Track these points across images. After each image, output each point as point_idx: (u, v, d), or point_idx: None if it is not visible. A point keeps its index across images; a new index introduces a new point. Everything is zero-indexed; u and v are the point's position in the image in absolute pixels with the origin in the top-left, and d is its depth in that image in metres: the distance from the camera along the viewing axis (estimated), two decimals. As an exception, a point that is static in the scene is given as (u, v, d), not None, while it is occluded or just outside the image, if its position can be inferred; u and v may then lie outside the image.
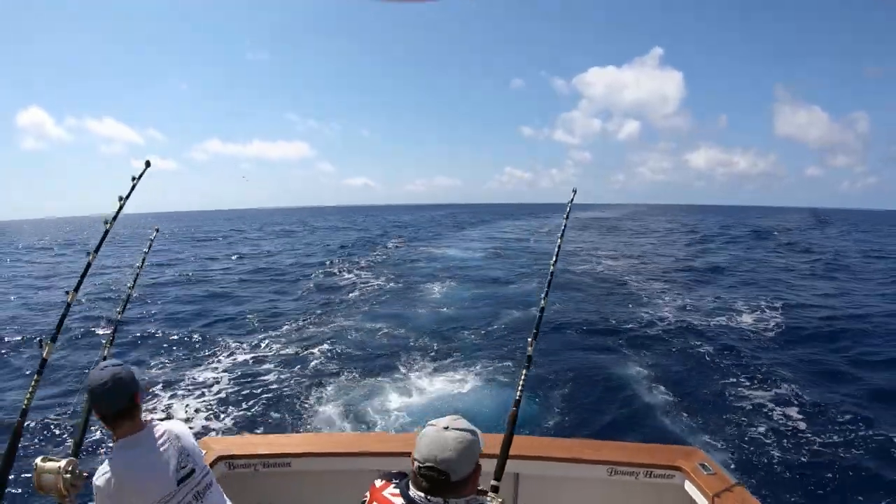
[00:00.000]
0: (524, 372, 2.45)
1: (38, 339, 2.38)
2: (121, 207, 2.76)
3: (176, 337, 11.38)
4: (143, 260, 3.04)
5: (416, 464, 1.42)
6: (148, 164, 2.99)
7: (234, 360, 9.68)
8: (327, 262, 24.68)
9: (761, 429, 6.76)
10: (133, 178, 2.82)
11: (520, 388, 2.40)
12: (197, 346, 10.82)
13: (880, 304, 14.45)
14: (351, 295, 16.19)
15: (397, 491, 1.45)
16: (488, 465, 1.96)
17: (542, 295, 2.74)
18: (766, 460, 6.02)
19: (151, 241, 3.18)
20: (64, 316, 2.46)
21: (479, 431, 1.47)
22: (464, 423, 1.46)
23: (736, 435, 6.61)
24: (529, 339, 2.55)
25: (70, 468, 1.91)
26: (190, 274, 22.11)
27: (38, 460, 2.00)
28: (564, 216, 3.12)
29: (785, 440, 6.48)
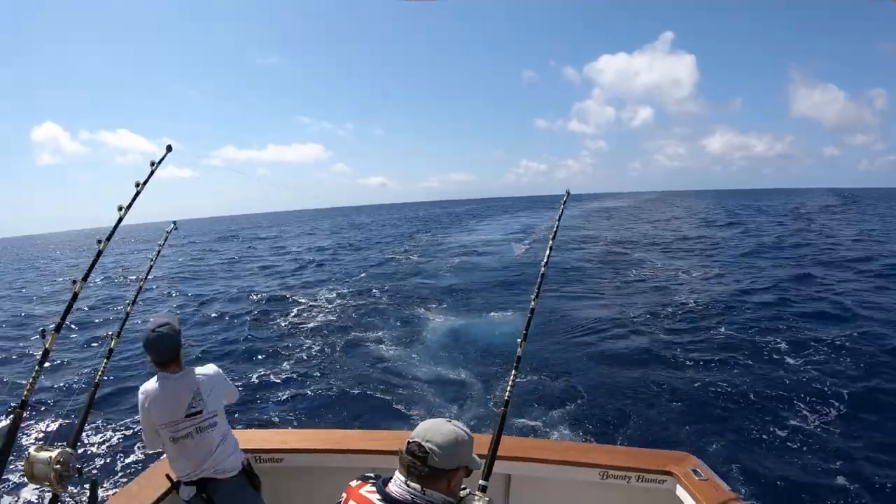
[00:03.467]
0: (513, 373, 2.38)
1: (41, 328, 2.34)
2: (137, 194, 2.55)
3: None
4: (158, 253, 3.04)
5: (406, 441, 1.45)
6: (169, 148, 2.74)
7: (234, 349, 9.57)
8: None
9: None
10: (152, 164, 2.61)
11: (509, 388, 2.33)
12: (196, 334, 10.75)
13: None
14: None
15: (374, 489, 1.46)
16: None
17: (532, 297, 2.59)
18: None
19: (168, 232, 3.21)
20: (69, 306, 2.34)
21: (472, 440, 1.48)
22: (465, 426, 1.49)
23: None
24: (519, 340, 2.45)
25: (61, 459, 1.92)
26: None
27: (31, 449, 2.00)
28: (557, 218, 2.97)
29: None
